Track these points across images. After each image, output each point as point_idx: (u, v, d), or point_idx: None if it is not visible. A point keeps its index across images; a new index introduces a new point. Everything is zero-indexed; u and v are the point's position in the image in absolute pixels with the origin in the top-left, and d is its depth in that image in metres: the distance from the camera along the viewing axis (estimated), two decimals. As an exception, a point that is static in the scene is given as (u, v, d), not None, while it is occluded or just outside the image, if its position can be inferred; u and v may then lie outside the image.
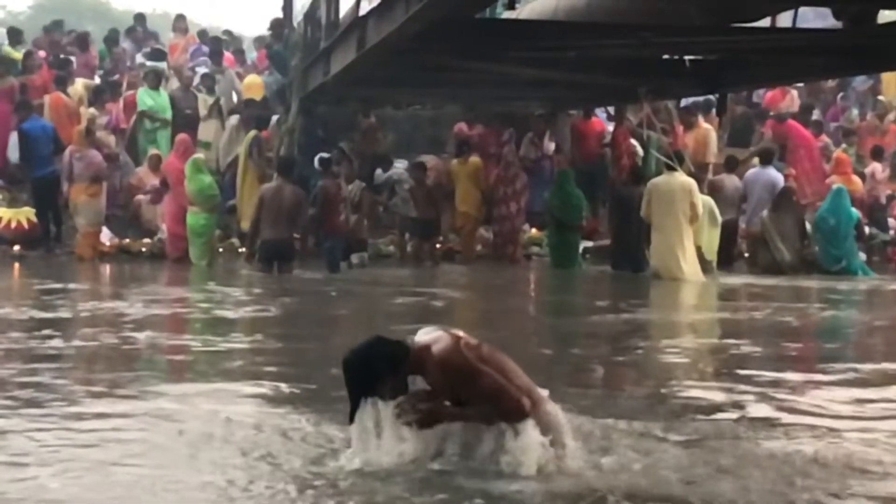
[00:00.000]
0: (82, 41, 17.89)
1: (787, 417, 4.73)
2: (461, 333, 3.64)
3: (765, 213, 13.38)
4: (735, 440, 4.24)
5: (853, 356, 7.08)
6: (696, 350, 7.26)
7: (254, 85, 16.62)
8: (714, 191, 13.53)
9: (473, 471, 3.55)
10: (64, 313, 8.47)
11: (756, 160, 14.74)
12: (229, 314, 8.60)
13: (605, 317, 8.76)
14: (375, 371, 3.57)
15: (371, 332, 3.84)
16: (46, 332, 7.06)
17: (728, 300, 10.88)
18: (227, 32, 19.69)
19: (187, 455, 3.89)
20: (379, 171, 14.51)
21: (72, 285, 10.81)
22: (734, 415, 4.79)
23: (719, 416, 4.77)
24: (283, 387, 5.28)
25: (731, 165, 14.57)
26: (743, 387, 5.49)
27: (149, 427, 4.34)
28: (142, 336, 6.99)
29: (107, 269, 13.21)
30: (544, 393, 3.71)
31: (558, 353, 6.94)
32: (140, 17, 19.79)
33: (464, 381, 3.53)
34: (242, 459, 3.80)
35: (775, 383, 5.60)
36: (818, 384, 5.67)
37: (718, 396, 5.24)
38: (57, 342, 6.72)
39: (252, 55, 19.00)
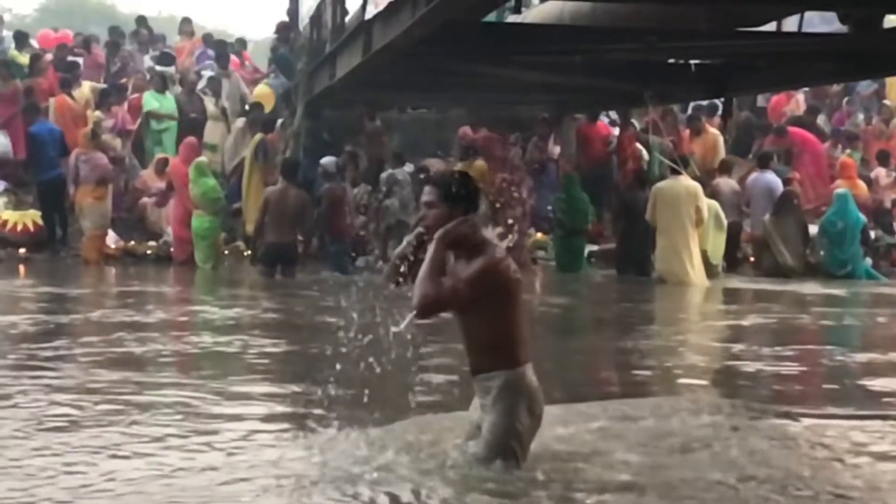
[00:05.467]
0: (87, 44, 17.88)
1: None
2: (508, 260, 3.69)
3: (766, 216, 13.36)
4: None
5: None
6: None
7: (263, 95, 16.50)
8: (713, 195, 13.50)
9: None
10: (152, 317, 8.34)
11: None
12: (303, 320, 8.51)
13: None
14: (462, 192, 3.65)
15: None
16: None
17: (737, 304, 10.85)
18: (209, 35, 19.20)
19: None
20: (388, 170, 14.31)
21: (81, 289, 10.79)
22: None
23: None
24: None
25: (727, 168, 14.52)
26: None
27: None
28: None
29: (112, 271, 13.15)
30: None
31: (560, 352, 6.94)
32: (142, 20, 19.35)
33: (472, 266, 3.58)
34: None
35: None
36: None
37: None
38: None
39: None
